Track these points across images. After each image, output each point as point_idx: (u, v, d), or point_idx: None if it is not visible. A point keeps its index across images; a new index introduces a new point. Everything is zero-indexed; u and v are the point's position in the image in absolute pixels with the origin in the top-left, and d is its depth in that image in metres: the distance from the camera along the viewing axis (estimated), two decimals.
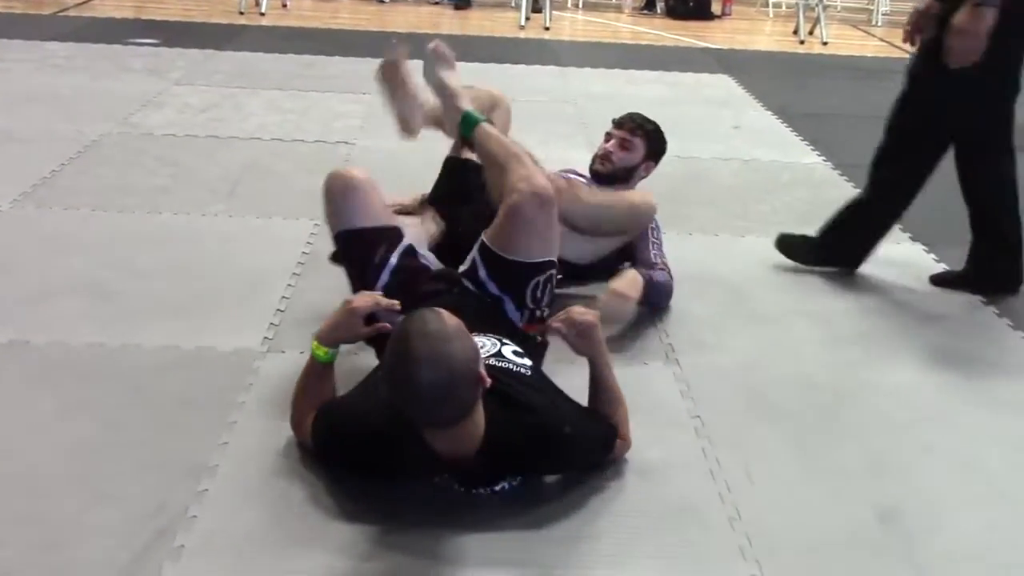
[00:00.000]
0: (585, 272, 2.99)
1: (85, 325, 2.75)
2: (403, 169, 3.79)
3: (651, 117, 3.25)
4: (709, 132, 5.02)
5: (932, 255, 3.55)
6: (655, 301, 2.97)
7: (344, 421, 2.11)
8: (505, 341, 2.20)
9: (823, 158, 4.68)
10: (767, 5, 9.34)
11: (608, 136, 3.21)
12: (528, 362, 2.18)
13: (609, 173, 3.15)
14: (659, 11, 8.96)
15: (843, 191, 3.46)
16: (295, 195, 3.75)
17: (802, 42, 7.90)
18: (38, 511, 2.00)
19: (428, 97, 2.82)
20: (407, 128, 2.89)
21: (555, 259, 2.38)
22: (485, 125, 2.56)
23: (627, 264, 3.02)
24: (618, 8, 9.28)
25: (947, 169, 3.20)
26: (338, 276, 2.59)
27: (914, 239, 3.67)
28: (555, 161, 3.23)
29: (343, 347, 2.29)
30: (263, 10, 7.67)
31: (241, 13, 7.58)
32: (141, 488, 2.07)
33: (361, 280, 2.41)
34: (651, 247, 3.04)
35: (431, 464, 2.00)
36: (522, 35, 7.68)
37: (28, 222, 3.45)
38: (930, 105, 3.11)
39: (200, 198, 3.73)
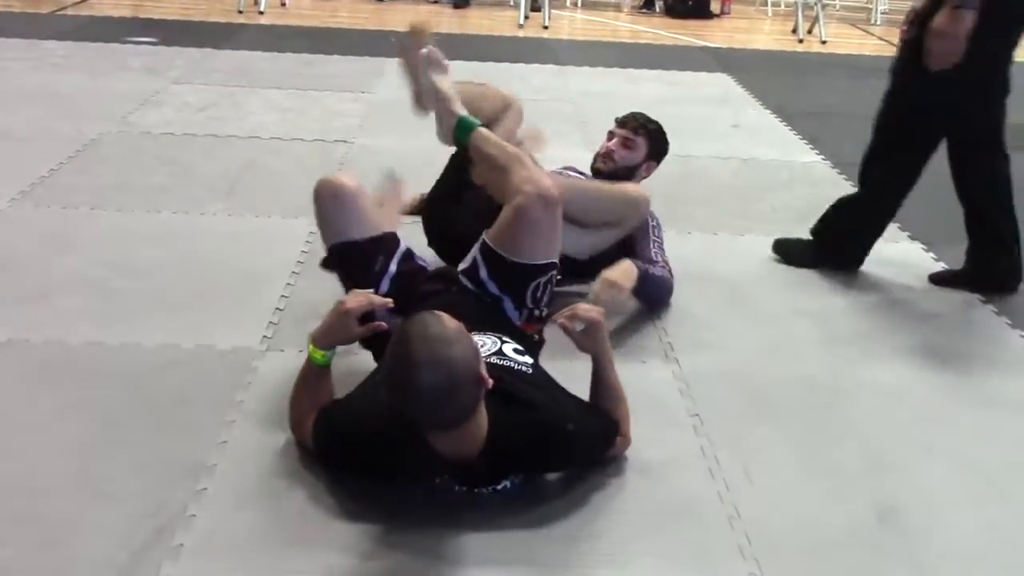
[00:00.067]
0: (584, 268, 2.98)
1: (84, 324, 2.75)
2: (402, 168, 3.79)
3: (651, 116, 3.25)
4: (708, 131, 5.01)
5: (931, 254, 3.55)
6: (656, 298, 2.97)
7: (345, 423, 2.10)
8: (506, 339, 2.20)
9: (822, 156, 4.68)
10: (766, 4, 9.33)
11: (610, 135, 3.22)
12: (529, 360, 2.18)
13: (611, 172, 3.15)
14: (658, 10, 8.96)
15: (842, 189, 3.46)
16: (294, 193, 3.74)
17: (801, 41, 7.90)
18: (37, 510, 1.99)
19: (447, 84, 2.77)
20: (421, 105, 2.83)
21: (557, 260, 2.38)
22: (481, 129, 2.52)
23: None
24: (617, 7, 9.27)
25: (946, 168, 3.20)
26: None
27: (913, 238, 3.67)
28: (554, 160, 3.23)
29: (340, 347, 2.29)
30: (262, 9, 7.66)
31: (240, 12, 7.57)
32: (140, 487, 2.07)
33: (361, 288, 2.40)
34: (652, 245, 3.04)
35: (433, 465, 2.00)
36: (521, 34, 7.68)
37: (27, 221, 3.45)
38: (914, 106, 3.11)
39: (199, 197, 3.73)
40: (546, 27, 7.86)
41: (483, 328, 2.20)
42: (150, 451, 2.20)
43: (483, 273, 2.35)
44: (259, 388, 2.47)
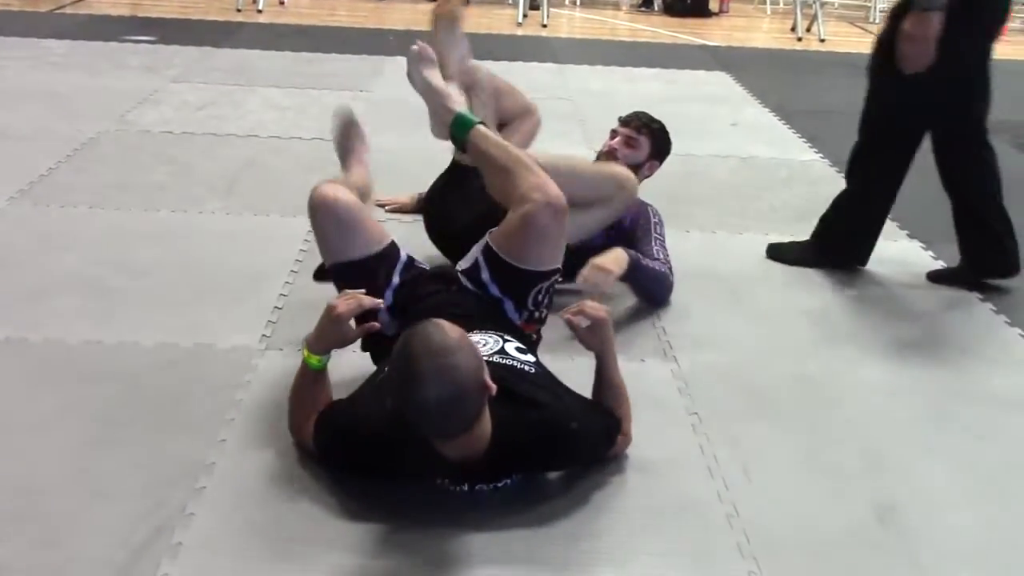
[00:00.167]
0: (578, 263, 2.91)
1: (83, 322, 2.74)
2: (403, 168, 3.79)
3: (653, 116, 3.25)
4: (707, 129, 5.01)
5: (929, 252, 3.56)
6: (650, 289, 2.96)
7: (347, 425, 2.10)
8: (507, 338, 2.19)
9: (821, 155, 4.68)
10: (764, 2, 9.33)
11: (614, 133, 3.22)
12: (531, 358, 2.18)
13: None
14: (657, 8, 8.96)
15: (841, 187, 3.45)
16: (293, 192, 3.72)
17: (800, 39, 7.90)
18: (36, 509, 1.99)
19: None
20: (445, 73, 2.79)
21: (560, 266, 2.38)
22: (480, 127, 2.48)
23: None
24: (616, 5, 9.27)
25: None
26: None
27: (911, 236, 3.68)
28: None
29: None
30: (260, 7, 7.65)
31: (238, 10, 7.57)
32: (139, 485, 2.07)
33: None
34: (653, 242, 3.03)
35: (434, 466, 2.00)
36: (519, 32, 7.68)
37: (25, 219, 3.45)
38: (893, 105, 3.11)
39: (198, 195, 3.72)
40: (545, 25, 7.86)
41: (484, 327, 2.20)
42: (149, 450, 2.20)
43: (485, 275, 2.34)
44: (258, 387, 2.46)
